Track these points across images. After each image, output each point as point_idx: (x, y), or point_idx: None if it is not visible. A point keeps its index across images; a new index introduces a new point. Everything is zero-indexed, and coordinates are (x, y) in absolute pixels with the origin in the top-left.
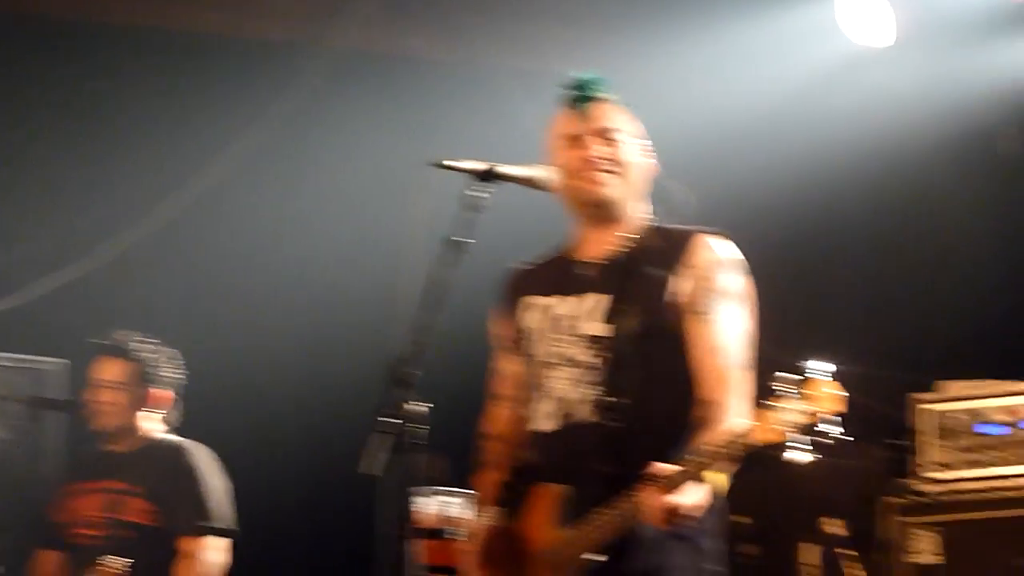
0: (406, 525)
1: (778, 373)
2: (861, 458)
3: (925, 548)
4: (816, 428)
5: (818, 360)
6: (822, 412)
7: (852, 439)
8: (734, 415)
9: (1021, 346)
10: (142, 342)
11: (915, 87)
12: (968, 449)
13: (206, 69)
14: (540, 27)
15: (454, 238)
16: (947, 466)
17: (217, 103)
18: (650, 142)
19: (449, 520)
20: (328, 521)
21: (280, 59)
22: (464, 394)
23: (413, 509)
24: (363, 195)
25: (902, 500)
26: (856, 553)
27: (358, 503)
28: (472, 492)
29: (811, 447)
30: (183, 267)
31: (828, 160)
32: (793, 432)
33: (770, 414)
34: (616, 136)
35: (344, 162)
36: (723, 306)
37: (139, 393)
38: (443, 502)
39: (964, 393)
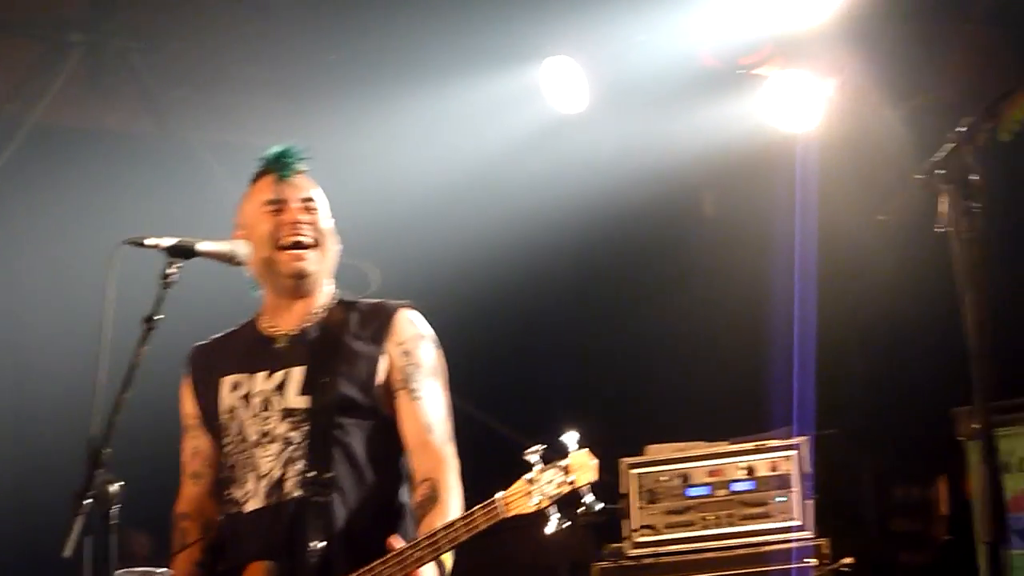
0: None
1: (530, 448)
2: (572, 523)
3: None
4: (572, 498)
5: (569, 433)
6: (580, 483)
7: (600, 508)
8: (454, 492)
9: (725, 407)
10: None
11: (617, 152)
12: (676, 512)
13: None
14: (239, 98)
15: (149, 315)
16: (656, 529)
17: None
18: (334, 221)
19: None
20: None
21: None
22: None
23: None
24: (60, 272)
25: (613, 564)
26: None
27: None
28: (171, 571)
29: (566, 517)
30: None
31: (530, 225)
32: (550, 503)
33: (528, 487)
34: (316, 206)
35: (41, 239)
36: (429, 382)
37: None
38: None
39: (672, 456)
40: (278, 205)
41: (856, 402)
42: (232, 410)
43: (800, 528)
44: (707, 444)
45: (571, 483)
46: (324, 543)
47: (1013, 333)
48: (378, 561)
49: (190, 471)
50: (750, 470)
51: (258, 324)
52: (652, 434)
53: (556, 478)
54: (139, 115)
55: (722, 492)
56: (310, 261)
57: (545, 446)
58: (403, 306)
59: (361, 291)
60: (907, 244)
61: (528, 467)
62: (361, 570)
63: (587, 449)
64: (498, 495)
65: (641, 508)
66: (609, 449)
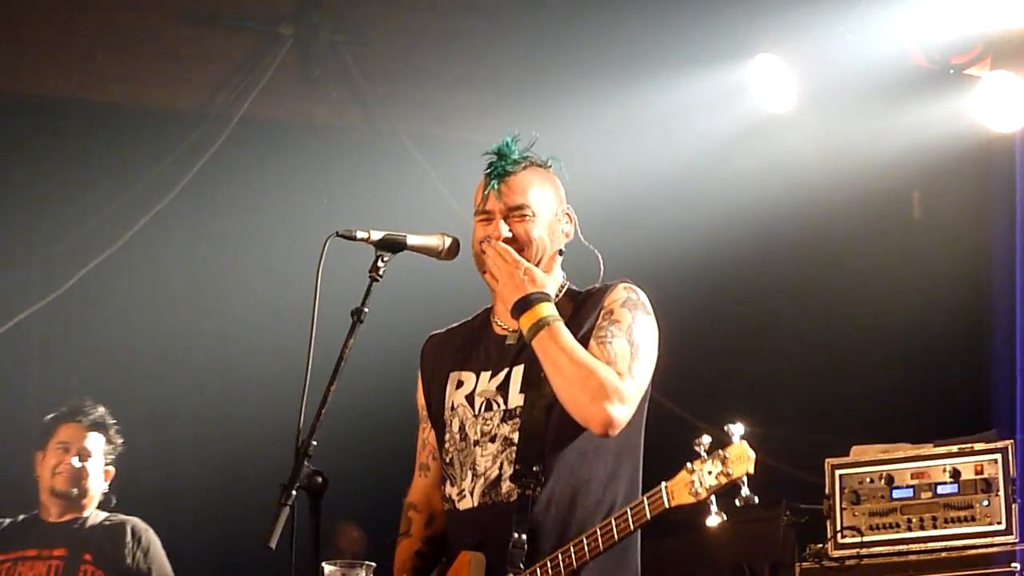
0: None
1: (696, 438)
2: (777, 523)
3: None
4: (731, 490)
5: (732, 422)
6: (735, 475)
7: (759, 501)
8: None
9: (931, 409)
10: (107, 415)
11: (824, 151)
12: (881, 513)
13: (114, 138)
14: (447, 93)
15: (359, 308)
16: (860, 531)
17: (126, 172)
18: (570, 207)
19: None
20: None
21: (185, 129)
22: (382, 464)
23: None
24: (269, 264)
25: (816, 565)
26: None
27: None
28: (385, 562)
29: (724, 510)
30: (91, 334)
31: (742, 222)
32: (708, 495)
33: (689, 476)
34: (525, 213)
35: (251, 230)
36: (621, 334)
37: (99, 465)
38: (352, 573)
39: (878, 457)
40: (486, 215)
41: None
42: (455, 408)
43: (1004, 532)
44: (912, 446)
45: (728, 475)
46: (526, 536)
47: None
48: (556, 553)
49: (420, 462)
50: (955, 473)
51: (490, 317)
52: (859, 436)
53: (715, 469)
54: (347, 108)
55: (926, 494)
56: None
57: (710, 439)
58: (623, 280)
59: (592, 279)
60: None
61: (695, 458)
62: (540, 561)
63: (745, 441)
64: (662, 484)
65: (845, 509)
66: (815, 449)
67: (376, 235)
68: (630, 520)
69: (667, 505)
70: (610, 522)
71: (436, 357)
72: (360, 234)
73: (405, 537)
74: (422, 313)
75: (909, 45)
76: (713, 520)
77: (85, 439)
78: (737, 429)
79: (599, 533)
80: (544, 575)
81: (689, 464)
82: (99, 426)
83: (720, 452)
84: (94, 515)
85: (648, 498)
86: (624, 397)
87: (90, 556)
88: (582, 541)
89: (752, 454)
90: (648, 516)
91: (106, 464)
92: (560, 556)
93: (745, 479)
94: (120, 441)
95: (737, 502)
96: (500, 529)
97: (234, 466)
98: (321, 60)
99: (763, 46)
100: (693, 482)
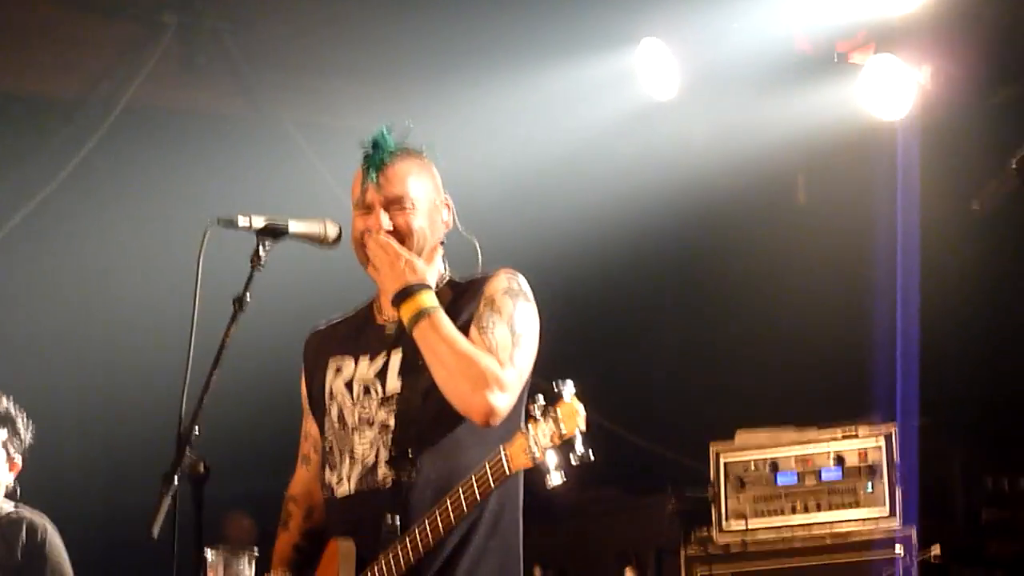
0: None
1: (533, 399)
2: (662, 509)
3: None
4: (569, 447)
5: (562, 380)
6: (567, 432)
7: (593, 457)
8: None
9: (817, 393)
10: (11, 406)
11: (709, 137)
12: (766, 499)
13: None
14: (331, 81)
15: (240, 296)
16: (745, 516)
17: (6, 160)
18: (448, 195)
19: None
20: None
21: (66, 116)
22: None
23: (205, 570)
24: (152, 251)
25: (700, 551)
26: None
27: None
28: (266, 553)
29: (561, 469)
30: None
31: (628, 208)
32: (544, 456)
33: (524, 439)
34: (405, 205)
35: (133, 220)
36: (503, 324)
37: (3, 458)
38: (236, 563)
39: (763, 443)
40: (366, 208)
41: (948, 391)
42: (334, 395)
43: (888, 517)
44: (797, 430)
45: (561, 434)
46: (398, 518)
47: None
48: (414, 527)
49: (301, 453)
50: (839, 458)
51: (372, 308)
52: (743, 420)
53: (549, 429)
54: (231, 96)
55: (811, 480)
56: None
57: (542, 399)
58: (503, 268)
59: (471, 269)
60: (1002, 232)
61: (530, 419)
62: (402, 536)
63: (575, 397)
64: (501, 449)
65: (729, 495)
66: (700, 434)
67: (258, 222)
68: (475, 488)
69: (508, 470)
70: (457, 491)
71: (318, 349)
72: (241, 221)
73: (284, 529)
74: (305, 300)
75: (794, 31)
76: (552, 480)
77: None
78: (567, 387)
79: (449, 504)
80: (407, 550)
81: (524, 427)
82: (6, 420)
83: (552, 411)
84: (0, 509)
85: (489, 464)
86: (505, 386)
87: None
88: (435, 513)
89: (582, 410)
90: (492, 483)
91: (11, 456)
92: (419, 529)
93: (579, 435)
94: (27, 431)
95: (572, 460)
96: (374, 515)
97: (119, 455)
98: (205, 48)
99: (648, 31)
100: (530, 445)
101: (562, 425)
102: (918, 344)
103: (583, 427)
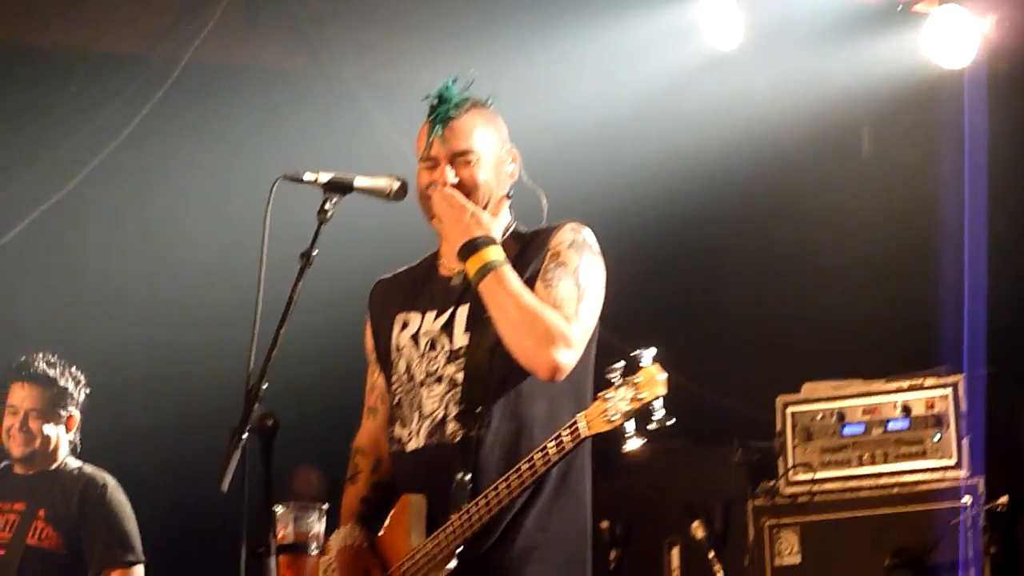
0: (268, 541)
1: (612, 365)
2: (727, 460)
3: (790, 550)
4: (647, 413)
5: (643, 347)
6: (649, 397)
7: (674, 421)
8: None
9: (883, 345)
10: (54, 364)
11: (770, 89)
12: (833, 450)
13: (60, 83)
14: (394, 36)
15: (307, 251)
16: (812, 467)
17: (72, 117)
18: (514, 147)
19: (311, 535)
20: (193, 539)
21: (131, 73)
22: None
23: (275, 524)
24: (218, 208)
25: (768, 502)
26: (723, 556)
27: (222, 520)
28: (335, 506)
29: (641, 435)
30: (41, 282)
31: (692, 161)
32: (623, 420)
33: (603, 405)
34: (470, 158)
35: (198, 177)
36: (568, 276)
37: (54, 417)
38: (306, 517)
39: (829, 394)
40: (431, 161)
41: (1017, 340)
42: (400, 349)
43: (956, 466)
44: (863, 382)
45: (640, 399)
46: (470, 475)
47: None
48: (489, 488)
49: (368, 405)
50: (906, 409)
51: (434, 261)
52: (810, 372)
53: (628, 394)
54: (294, 52)
55: (878, 431)
56: None
57: (623, 364)
58: (570, 220)
59: (538, 220)
60: None
61: (608, 385)
62: (476, 499)
63: (657, 364)
64: (579, 415)
65: (796, 446)
66: (766, 387)
67: (323, 177)
68: (552, 451)
69: (584, 434)
70: (532, 457)
71: (383, 300)
72: (307, 176)
73: (351, 482)
74: (372, 255)
75: None
76: (631, 445)
77: (34, 397)
78: (647, 353)
79: (523, 468)
80: (480, 510)
81: (602, 392)
82: (47, 380)
83: (631, 377)
84: (64, 465)
85: (568, 428)
86: (571, 342)
87: (43, 512)
88: (509, 477)
89: (663, 376)
90: (567, 447)
91: (67, 412)
92: (493, 491)
93: (658, 402)
94: (79, 387)
95: (650, 426)
96: (444, 470)
97: (187, 412)
98: (267, 4)
99: None
100: (607, 410)
101: (642, 391)
102: (986, 294)
103: (663, 392)
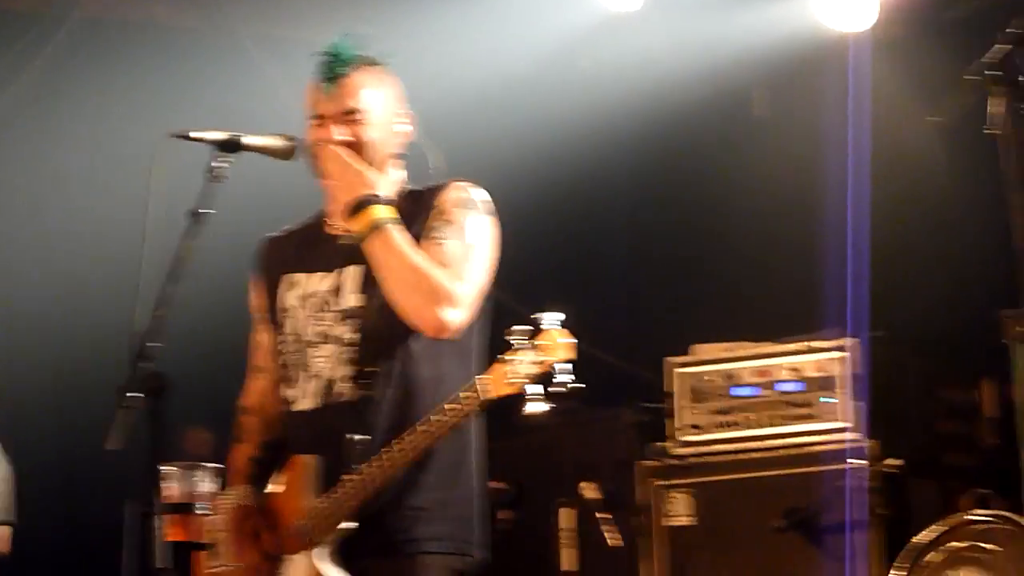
0: (154, 500)
1: (512, 327)
2: (617, 421)
3: (680, 510)
4: (550, 377)
5: (550, 311)
6: (553, 361)
7: (583, 386)
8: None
9: (773, 307)
10: None
11: (666, 50)
12: (722, 411)
13: None
14: None
15: (197, 209)
16: (701, 428)
17: None
18: (407, 106)
19: (198, 495)
20: (78, 498)
21: (21, 29)
22: (221, 366)
23: (161, 484)
24: (107, 166)
25: (657, 463)
26: (613, 516)
27: (108, 480)
28: (224, 466)
29: (543, 397)
30: None
31: (587, 121)
32: (527, 383)
33: (504, 367)
34: (358, 117)
35: (87, 133)
36: (457, 235)
37: None
38: (193, 477)
39: (718, 356)
40: (319, 120)
41: (905, 304)
42: (288, 309)
43: (847, 430)
44: (754, 344)
45: (542, 362)
46: (361, 436)
47: None
48: (384, 450)
49: (253, 364)
50: (797, 371)
51: (323, 219)
52: (701, 334)
53: (529, 357)
54: (187, 8)
55: (768, 392)
56: None
57: (525, 327)
58: (458, 179)
59: (434, 177)
60: (959, 145)
61: (512, 348)
62: (370, 461)
63: (561, 326)
64: (478, 378)
65: (686, 408)
66: (656, 348)
67: (212, 135)
68: (449, 414)
69: (482, 397)
70: (430, 418)
71: (270, 258)
72: (194, 134)
73: (239, 442)
74: (260, 212)
75: None
76: (532, 408)
77: None
78: (551, 316)
79: (419, 429)
80: (374, 472)
81: (502, 355)
82: None
83: (534, 340)
84: None
85: (465, 392)
86: (458, 300)
87: None
88: (404, 438)
89: (567, 340)
90: (465, 411)
91: None
92: (387, 453)
93: (563, 366)
94: None
95: (554, 390)
96: (337, 430)
97: (75, 371)
98: None
99: None
100: (507, 372)
101: (545, 353)
102: (869, 258)
103: (567, 356)
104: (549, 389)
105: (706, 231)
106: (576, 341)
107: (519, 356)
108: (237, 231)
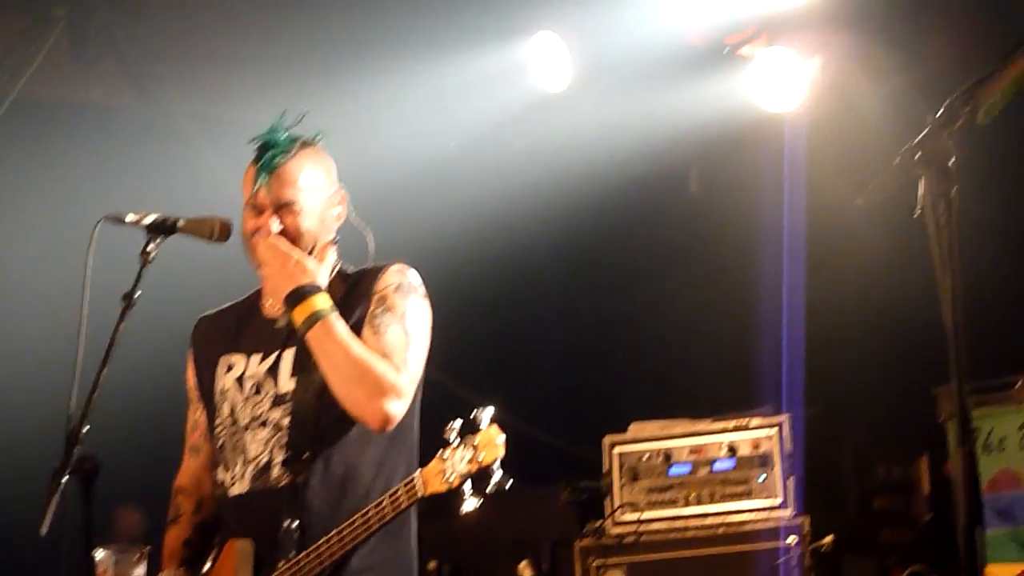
0: None
1: (451, 424)
2: (554, 500)
3: None
4: (485, 475)
5: (484, 406)
6: (486, 461)
7: (509, 487)
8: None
9: (710, 385)
10: None
11: (599, 130)
12: (659, 490)
13: None
14: (224, 73)
15: (129, 292)
16: (638, 507)
17: None
18: (341, 185)
19: None
20: None
21: None
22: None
23: (94, 566)
24: (42, 247)
25: (595, 542)
26: None
27: (41, 564)
28: (158, 548)
29: (477, 495)
30: None
31: (521, 201)
32: (461, 483)
33: (441, 465)
34: (295, 207)
35: (24, 212)
36: (397, 322)
37: None
38: (126, 560)
39: (655, 434)
40: (256, 208)
41: (840, 381)
42: (225, 391)
43: (782, 506)
44: (690, 422)
45: (479, 462)
46: (297, 522)
47: (996, 314)
48: (321, 541)
49: (189, 444)
50: (732, 448)
51: (260, 299)
52: (639, 411)
53: (466, 455)
54: (122, 88)
55: (704, 470)
56: None
57: (460, 423)
58: (395, 262)
59: (365, 259)
60: (888, 226)
61: (448, 444)
62: (308, 550)
63: (495, 425)
64: (416, 472)
65: (623, 486)
66: (595, 426)
67: (146, 219)
68: (388, 508)
69: (421, 494)
70: (369, 511)
71: (206, 338)
72: (129, 217)
73: (174, 524)
74: (196, 295)
75: (685, 23)
76: (468, 506)
77: None
78: (487, 413)
79: (359, 522)
80: (311, 562)
81: (441, 451)
82: None
83: (471, 438)
84: None
85: (404, 486)
86: (401, 392)
87: None
88: (344, 529)
89: (502, 439)
90: (403, 505)
91: None
92: (325, 544)
93: (497, 463)
94: None
95: (488, 489)
96: (271, 516)
97: (8, 454)
98: (95, 41)
99: (541, 24)
100: (445, 470)
101: (481, 453)
102: (805, 335)
103: (502, 454)
104: (485, 488)
105: (643, 308)
106: (503, 439)
107: (456, 455)
108: (171, 312)
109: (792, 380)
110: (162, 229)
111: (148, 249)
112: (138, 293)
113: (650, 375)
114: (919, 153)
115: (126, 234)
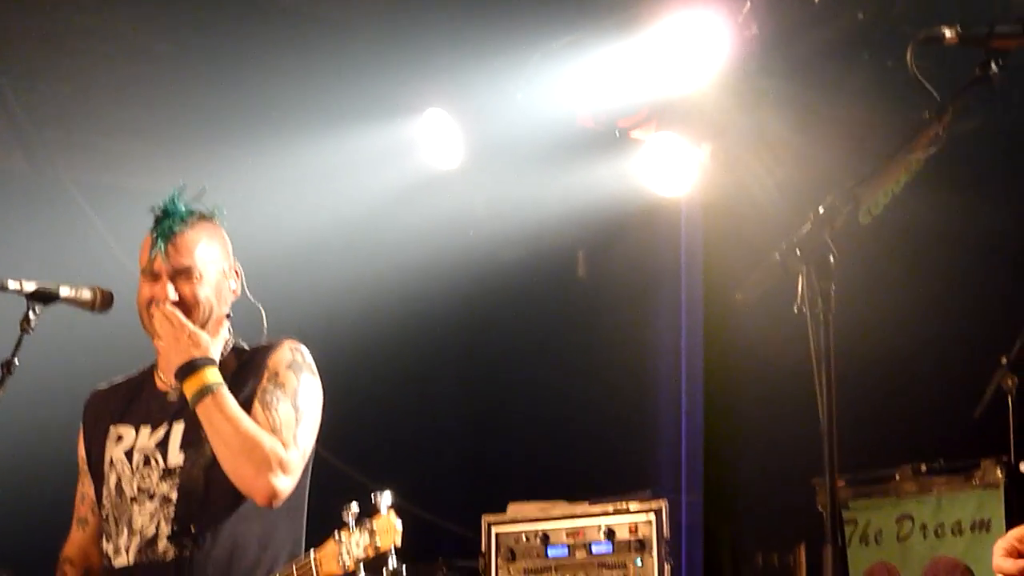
0: None
1: (346, 505)
2: None
3: None
4: (379, 560)
5: (381, 491)
6: (383, 547)
7: (403, 571)
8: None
9: (591, 468)
10: None
11: (492, 209)
12: (536, 571)
13: None
14: (115, 140)
15: (7, 359)
16: None
17: None
18: (236, 262)
19: None
20: None
21: None
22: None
23: None
24: None
25: None
26: None
27: None
28: None
29: None
30: None
31: (410, 280)
32: (356, 567)
33: (338, 547)
34: (192, 276)
35: None
36: (287, 400)
37: None
38: None
39: (533, 515)
40: (153, 276)
41: (721, 469)
42: (113, 463)
43: None
44: (569, 504)
45: (376, 547)
46: None
47: (876, 407)
48: None
49: (77, 516)
50: (610, 532)
51: (154, 372)
52: (518, 492)
53: (363, 540)
54: (10, 151)
55: (581, 553)
56: None
57: (357, 507)
58: (288, 338)
59: (258, 334)
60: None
61: (344, 527)
62: None
63: (393, 511)
64: (311, 552)
65: (501, 566)
66: (476, 505)
67: (28, 286)
68: None
69: (314, 574)
70: None
71: (98, 411)
72: (11, 285)
73: None
74: (82, 364)
75: (576, 105)
76: None
77: None
78: (385, 499)
79: None
80: None
81: (337, 534)
82: None
83: (368, 522)
84: None
85: (297, 567)
86: (289, 468)
87: None
88: None
89: (399, 525)
90: None
91: None
92: None
93: (393, 549)
94: None
95: (384, 573)
96: None
97: None
98: None
99: (432, 101)
100: (341, 553)
101: (378, 539)
102: (687, 423)
103: (398, 542)
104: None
105: (528, 389)
106: (400, 527)
107: (353, 538)
108: (57, 382)
109: (673, 467)
110: (44, 297)
111: (29, 317)
112: (17, 361)
113: (535, 457)
114: (799, 248)
115: (8, 300)
